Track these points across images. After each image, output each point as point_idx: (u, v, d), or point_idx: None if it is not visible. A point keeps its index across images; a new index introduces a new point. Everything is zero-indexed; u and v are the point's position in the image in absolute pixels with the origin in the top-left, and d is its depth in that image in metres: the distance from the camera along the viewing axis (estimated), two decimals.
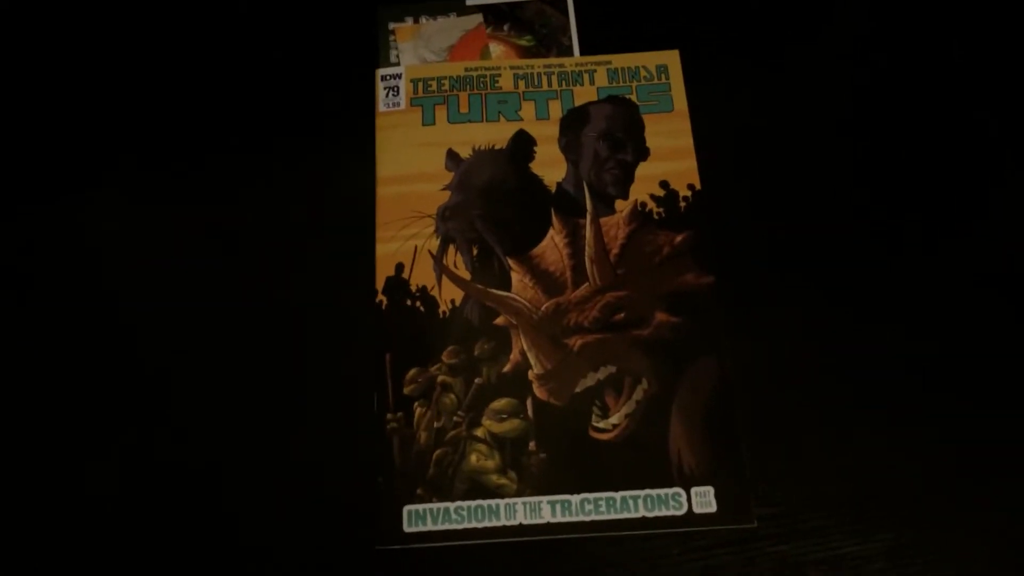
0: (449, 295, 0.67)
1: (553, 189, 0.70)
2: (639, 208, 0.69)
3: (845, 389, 0.64)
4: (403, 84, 0.75)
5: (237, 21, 0.80)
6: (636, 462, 0.61)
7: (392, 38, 0.78)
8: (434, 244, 0.68)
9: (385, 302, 0.67)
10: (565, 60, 0.76)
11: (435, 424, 0.63)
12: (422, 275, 0.67)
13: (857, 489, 0.61)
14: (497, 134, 0.72)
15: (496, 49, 0.77)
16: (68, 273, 0.70)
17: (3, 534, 0.61)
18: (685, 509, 0.60)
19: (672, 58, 0.75)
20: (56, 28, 0.80)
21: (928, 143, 0.72)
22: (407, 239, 0.68)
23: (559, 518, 0.60)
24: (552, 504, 0.60)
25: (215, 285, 0.69)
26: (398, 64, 0.77)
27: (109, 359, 0.66)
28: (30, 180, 0.74)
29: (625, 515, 0.60)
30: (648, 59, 0.75)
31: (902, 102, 0.74)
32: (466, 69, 0.75)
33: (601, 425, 0.62)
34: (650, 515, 0.60)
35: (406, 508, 0.60)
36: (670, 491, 0.60)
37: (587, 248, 0.67)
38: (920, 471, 0.61)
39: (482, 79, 0.75)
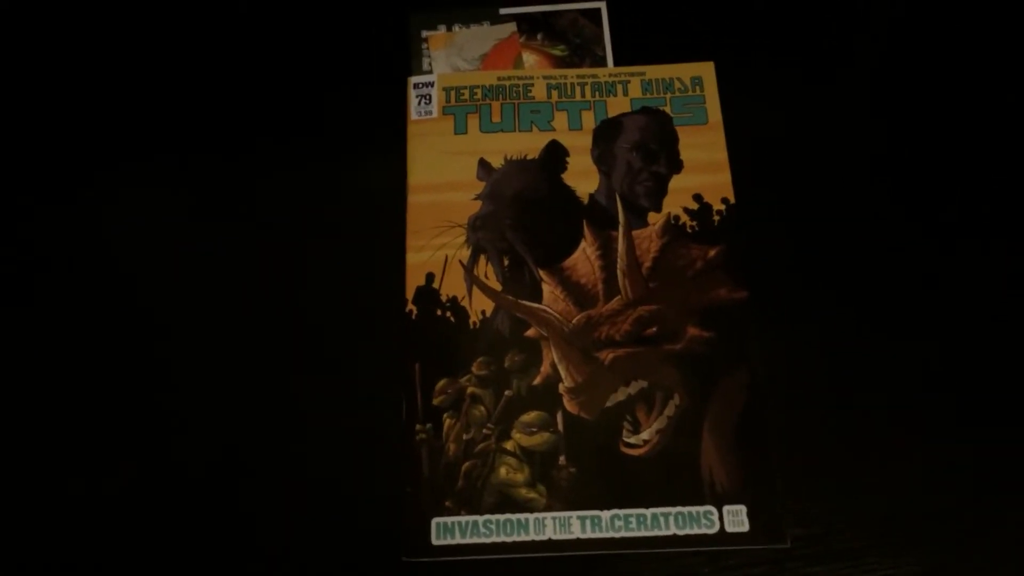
0: (480, 306, 0.66)
1: (585, 200, 0.70)
2: (672, 221, 0.68)
3: (880, 407, 0.63)
4: (435, 92, 0.74)
5: (269, 28, 0.80)
6: (667, 479, 0.60)
7: (425, 46, 0.78)
8: (465, 254, 0.68)
9: (415, 312, 0.66)
10: (599, 71, 0.75)
11: (464, 436, 0.62)
12: (452, 285, 0.67)
13: (892, 509, 0.60)
14: (529, 144, 0.72)
15: (529, 58, 0.77)
16: (97, 277, 0.70)
17: (20, 533, 0.61)
18: (717, 528, 0.59)
19: (707, 70, 0.74)
20: (85, 28, 0.80)
21: (968, 159, 0.72)
22: (438, 248, 0.68)
23: (588, 534, 0.59)
24: (582, 519, 0.59)
25: (244, 293, 0.69)
26: (431, 72, 0.76)
27: (133, 368, 0.66)
28: (69, 180, 0.74)
29: (656, 532, 0.59)
30: (683, 71, 0.74)
31: (941, 117, 0.73)
32: (499, 78, 0.75)
33: (632, 440, 0.62)
34: (681, 533, 0.59)
35: (434, 520, 0.60)
36: (702, 509, 0.59)
37: (619, 261, 0.67)
38: (957, 491, 0.60)
39: (515, 88, 0.74)
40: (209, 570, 0.60)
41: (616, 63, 0.76)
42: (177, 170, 0.74)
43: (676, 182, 0.70)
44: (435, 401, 0.63)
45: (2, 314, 0.69)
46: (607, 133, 0.72)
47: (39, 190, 0.74)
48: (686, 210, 0.69)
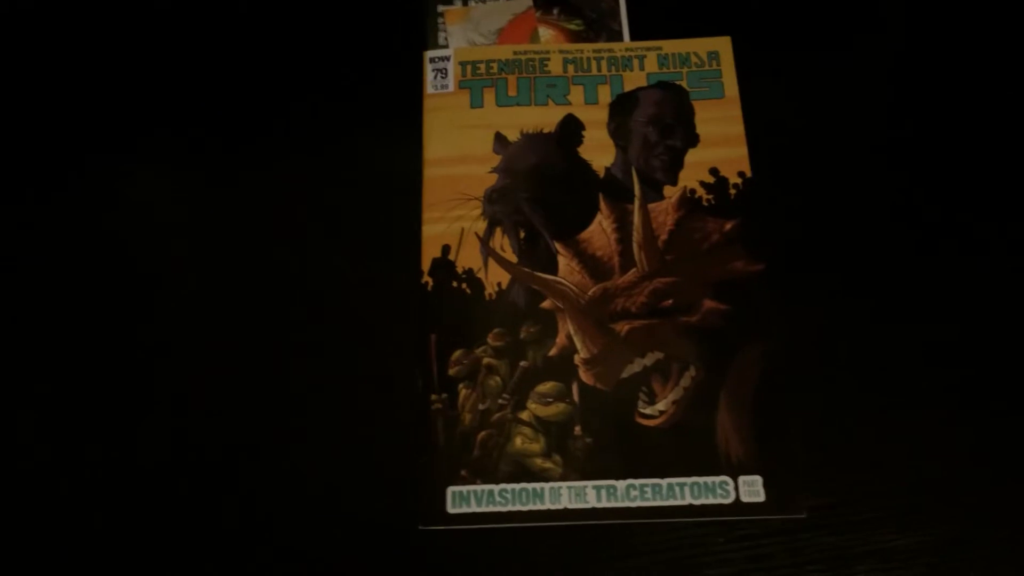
0: (496, 278, 0.66)
1: (601, 174, 0.70)
2: (688, 194, 0.68)
3: (897, 379, 0.63)
4: (452, 66, 0.74)
5: (285, 2, 0.80)
6: (683, 449, 0.60)
7: (441, 20, 0.78)
8: (481, 226, 0.68)
9: (431, 283, 0.66)
10: (615, 45, 0.75)
11: (480, 406, 0.62)
12: (468, 257, 0.67)
13: (908, 481, 0.60)
14: (545, 118, 0.72)
15: (545, 33, 0.77)
16: (109, 255, 0.70)
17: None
18: (732, 498, 0.59)
19: (724, 44, 0.74)
20: (102, 13, 0.81)
21: (988, 135, 0.71)
22: (454, 221, 0.68)
23: (604, 503, 0.59)
24: (597, 489, 0.60)
25: (261, 265, 0.69)
26: (447, 46, 0.76)
27: (148, 337, 0.67)
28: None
29: (671, 502, 0.59)
30: (699, 45, 0.74)
31: (959, 92, 0.73)
32: (515, 52, 0.75)
33: (648, 411, 0.62)
34: (696, 503, 0.59)
35: (450, 489, 0.60)
36: (717, 479, 0.59)
37: (635, 233, 0.66)
38: (973, 464, 0.60)
39: (531, 63, 0.74)
40: (223, 539, 0.60)
41: (632, 38, 0.76)
42: (191, 143, 0.74)
43: (692, 156, 0.70)
44: (451, 372, 0.63)
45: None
46: (623, 107, 0.72)
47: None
48: (702, 184, 0.69)
